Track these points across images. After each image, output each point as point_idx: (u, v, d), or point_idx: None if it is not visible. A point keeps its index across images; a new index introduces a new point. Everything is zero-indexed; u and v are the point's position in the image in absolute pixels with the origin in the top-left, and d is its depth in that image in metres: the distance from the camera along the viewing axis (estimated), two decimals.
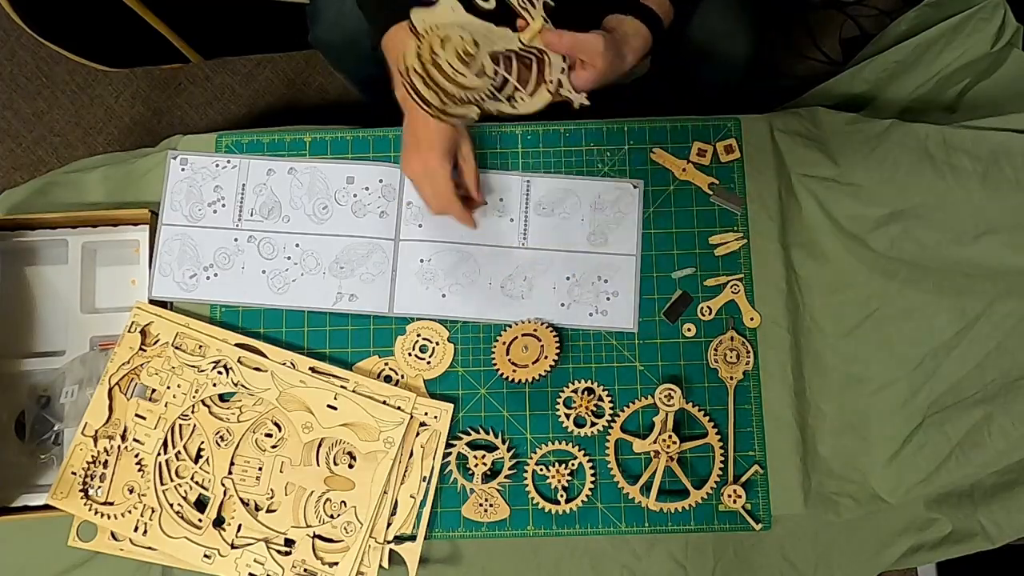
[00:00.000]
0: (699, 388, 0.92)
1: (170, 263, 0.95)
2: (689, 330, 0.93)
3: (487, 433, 0.91)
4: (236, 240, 0.95)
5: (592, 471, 0.90)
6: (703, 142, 0.96)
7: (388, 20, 0.82)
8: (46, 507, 0.89)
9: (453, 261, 0.93)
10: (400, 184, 0.95)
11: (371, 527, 0.87)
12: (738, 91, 1.07)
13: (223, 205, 0.96)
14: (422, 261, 0.94)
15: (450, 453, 0.90)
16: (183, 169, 0.97)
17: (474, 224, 0.90)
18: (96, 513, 0.88)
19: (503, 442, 0.90)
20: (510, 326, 0.92)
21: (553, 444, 0.91)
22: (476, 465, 0.89)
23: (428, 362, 0.92)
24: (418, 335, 0.93)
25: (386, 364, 0.92)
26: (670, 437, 0.89)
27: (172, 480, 0.89)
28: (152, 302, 0.94)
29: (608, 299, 0.93)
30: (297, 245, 0.95)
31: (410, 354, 0.92)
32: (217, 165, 0.97)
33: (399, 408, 0.89)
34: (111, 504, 0.89)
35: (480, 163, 0.91)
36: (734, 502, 0.89)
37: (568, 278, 0.93)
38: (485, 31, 0.69)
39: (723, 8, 0.94)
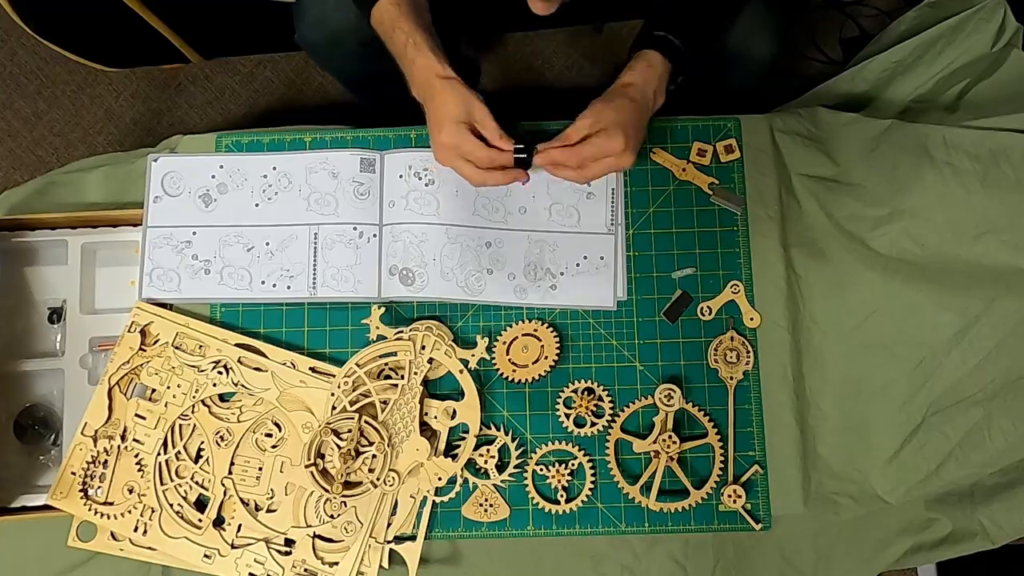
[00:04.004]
0: (699, 388, 0.92)
1: (160, 263, 0.95)
2: (689, 330, 0.92)
3: (487, 427, 0.91)
4: (226, 238, 0.95)
5: (592, 471, 0.90)
6: (703, 142, 0.96)
7: None
8: (46, 507, 0.89)
9: (439, 243, 0.93)
10: (380, 168, 0.95)
11: (371, 527, 0.87)
12: (759, 92, 1.07)
13: (211, 202, 0.96)
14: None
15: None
16: (166, 172, 0.96)
17: (526, 176, 0.84)
18: (96, 513, 0.88)
19: (506, 432, 0.90)
20: (510, 326, 0.92)
21: (553, 444, 0.91)
22: (486, 461, 0.89)
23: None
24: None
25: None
26: (670, 437, 0.89)
27: (172, 480, 0.89)
28: (148, 302, 0.94)
29: (585, 273, 0.93)
30: (285, 239, 0.95)
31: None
32: (204, 165, 0.96)
33: None
34: (111, 504, 0.89)
35: None
36: (734, 502, 0.89)
37: (529, 263, 0.93)
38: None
39: (748, 12, 0.95)
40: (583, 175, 0.83)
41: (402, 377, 0.88)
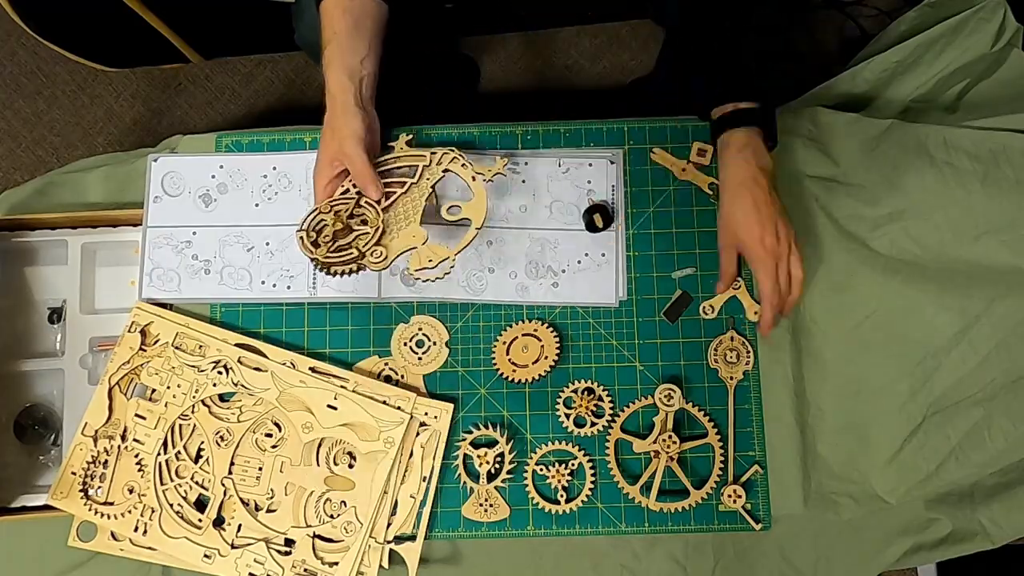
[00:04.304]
0: (699, 388, 0.92)
1: (160, 263, 0.95)
2: (689, 330, 0.92)
3: (487, 427, 0.91)
4: (226, 238, 0.95)
5: (592, 471, 0.90)
6: (703, 142, 0.96)
7: None
8: (46, 507, 0.89)
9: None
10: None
11: (371, 527, 0.87)
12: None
13: (211, 202, 0.96)
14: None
15: (456, 456, 0.90)
16: (166, 172, 0.96)
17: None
18: (96, 513, 0.88)
19: (502, 434, 0.90)
20: (510, 326, 0.92)
21: (553, 444, 0.91)
22: (480, 464, 0.89)
23: (420, 358, 0.92)
24: (419, 329, 0.93)
25: (386, 364, 0.92)
26: (670, 437, 0.89)
27: (172, 480, 0.89)
28: (148, 302, 0.94)
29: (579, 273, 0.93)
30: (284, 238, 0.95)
31: (405, 344, 0.92)
32: (204, 165, 0.97)
33: (399, 408, 0.89)
34: (111, 504, 0.89)
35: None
36: (734, 502, 0.89)
37: (531, 261, 0.93)
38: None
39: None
40: (791, 305, 0.86)
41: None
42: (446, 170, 0.87)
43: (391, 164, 0.89)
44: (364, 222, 0.85)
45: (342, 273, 0.83)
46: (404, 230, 0.85)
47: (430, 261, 0.83)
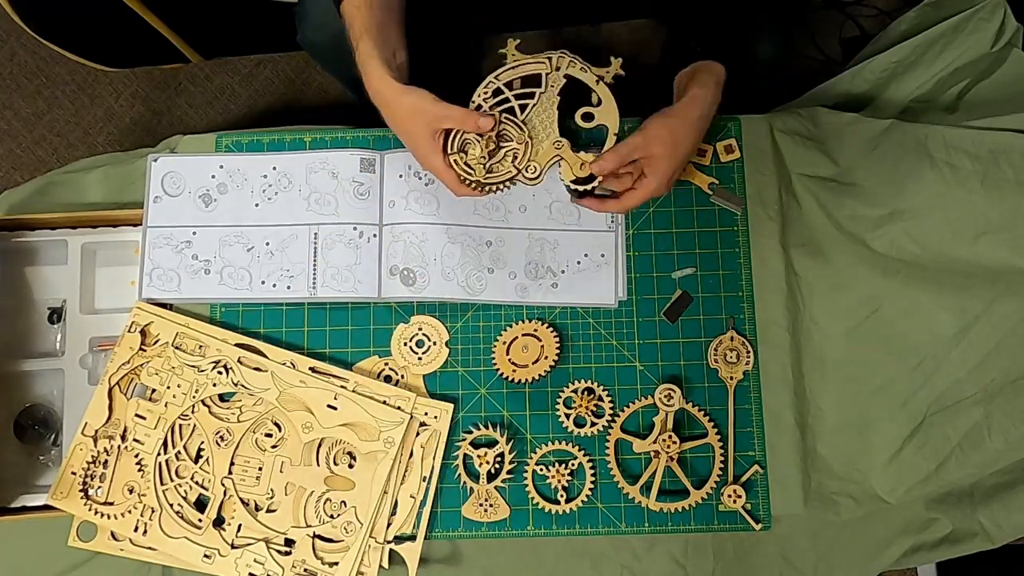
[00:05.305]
0: (699, 388, 0.92)
1: (160, 263, 0.95)
2: (689, 330, 0.92)
3: (487, 427, 0.91)
4: (226, 238, 0.95)
5: (592, 471, 0.90)
6: (703, 142, 0.96)
7: None
8: (46, 507, 0.90)
9: (440, 243, 0.93)
10: (380, 168, 0.95)
11: (371, 527, 0.87)
12: (754, 94, 1.07)
13: (211, 202, 0.96)
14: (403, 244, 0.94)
15: (456, 456, 0.90)
16: (166, 172, 0.96)
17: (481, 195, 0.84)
18: (96, 513, 0.88)
19: (502, 434, 0.90)
20: (510, 326, 0.92)
21: (553, 444, 0.91)
22: (480, 464, 0.89)
23: (420, 358, 0.92)
24: (419, 329, 0.93)
25: (386, 364, 0.92)
26: (670, 437, 0.89)
27: (172, 480, 0.89)
28: (148, 302, 0.94)
29: (584, 273, 0.93)
30: (285, 238, 0.95)
31: (405, 344, 0.92)
32: (204, 165, 0.97)
33: (399, 408, 0.89)
34: (111, 504, 0.89)
35: None
36: (734, 502, 0.89)
37: (530, 262, 0.93)
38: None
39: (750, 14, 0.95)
40: (623, 209, 0.85)
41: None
42: (567, 75, 0.85)
43: (508, 76, 0.85)
44: (507, 138, 0.83)
45: (498, 189, 0.84)
46: (545, 141, 0.84)
47: (581, 167, 0.83)
